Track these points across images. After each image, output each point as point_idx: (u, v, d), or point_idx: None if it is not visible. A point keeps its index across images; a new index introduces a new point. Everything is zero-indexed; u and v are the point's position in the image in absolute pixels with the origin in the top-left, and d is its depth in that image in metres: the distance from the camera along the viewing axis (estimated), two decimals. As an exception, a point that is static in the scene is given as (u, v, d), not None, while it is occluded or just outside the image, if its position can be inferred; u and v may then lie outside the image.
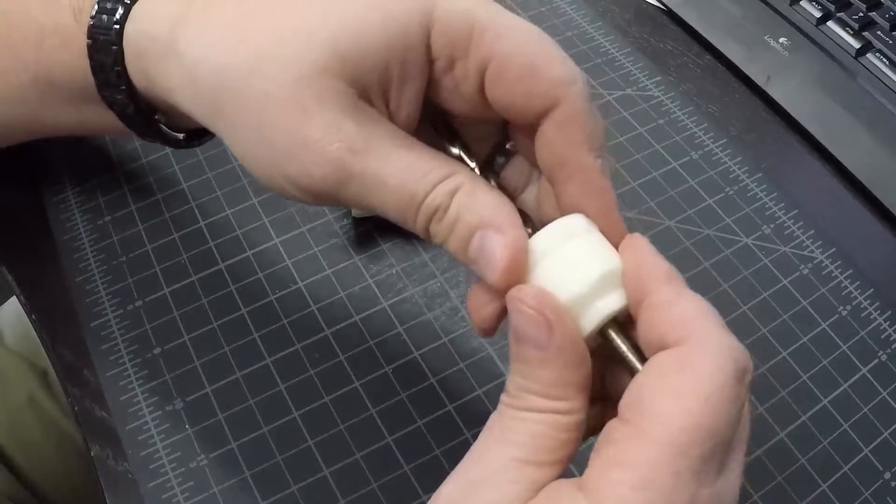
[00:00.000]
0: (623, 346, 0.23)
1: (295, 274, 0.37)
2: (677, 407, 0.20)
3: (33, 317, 0.35)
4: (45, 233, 0.38)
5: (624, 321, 0.23)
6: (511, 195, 0.26)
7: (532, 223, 0.25)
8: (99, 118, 0.32)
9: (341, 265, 0.37)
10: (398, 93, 0.25)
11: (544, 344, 0.22)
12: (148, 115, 0.31)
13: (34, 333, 0.36)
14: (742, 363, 0.21)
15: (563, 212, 0.25)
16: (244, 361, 0.34)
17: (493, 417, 0.23)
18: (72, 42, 0.30)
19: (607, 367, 0.25)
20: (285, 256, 0.37)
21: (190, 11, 0.27)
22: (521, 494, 0.21)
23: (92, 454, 0.32)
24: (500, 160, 0.28)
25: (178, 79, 0.27)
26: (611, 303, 0.23)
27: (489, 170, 0.27)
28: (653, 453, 0.19)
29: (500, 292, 0.24)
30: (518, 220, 0.24)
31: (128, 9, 0.29)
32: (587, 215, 0.24)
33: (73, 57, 0.30)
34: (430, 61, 0.25)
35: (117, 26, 0.29)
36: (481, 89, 0.25)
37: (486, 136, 0.28)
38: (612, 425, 0.21)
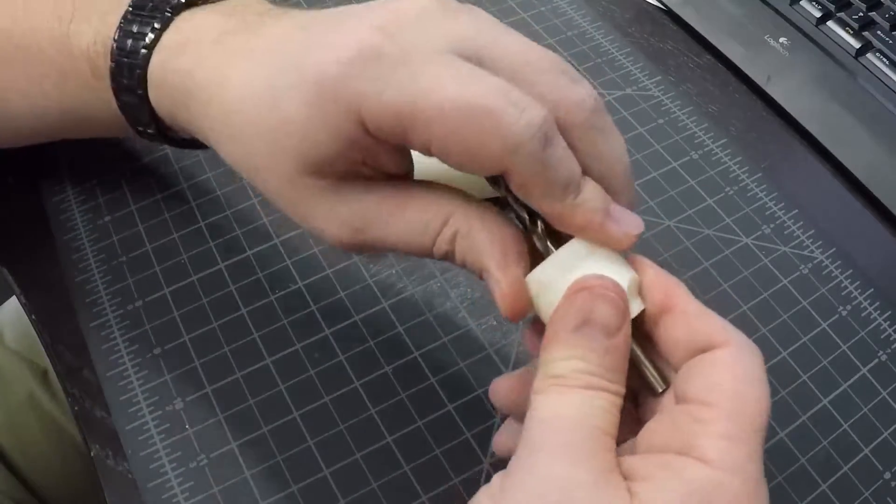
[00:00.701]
0: (638, 350, 0.25)
1: (295, 274, 0.37)
2: (752, 392, 0.22)
3: (33, 317, 0.35)
4: (45, 233, 0.38)
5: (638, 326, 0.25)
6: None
7: (544, 242, 0.26)
8: (129, 132, 0.33)
9: (341, 265, 0.37)
10: (372, 164, 0.26)
11: (614, 331, 0.23)
12: (182, 141, 0.32)
13: (34, 333, 0.36)
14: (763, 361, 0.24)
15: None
16: (244, 361, 0.34)
17: (549, 399, 0.23)
18: (94, 89, 0.31)
19: None
20: (285, 256, 0.37)
21: (200, 72, 0.28)
22: (608, 463, 0.22)
23: (92, 454, 0.32)
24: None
25: (204, 130, 0.29)
26: (632, 308, 0.24)
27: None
28: (748, 429, 0.22)
29: (513, 321, 0.26)
30: (512, 257, 0.25)
31: (148, 56, 0.29)
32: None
33: (99, 100, 0.31)
34: (380, 142, 0.25)
35: (139, 71, 0.29)
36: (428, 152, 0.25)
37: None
38: (694, 408, 0.22)
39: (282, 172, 0.26)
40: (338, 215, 0.26)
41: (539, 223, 0.26)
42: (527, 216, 0.26)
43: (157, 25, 0.29)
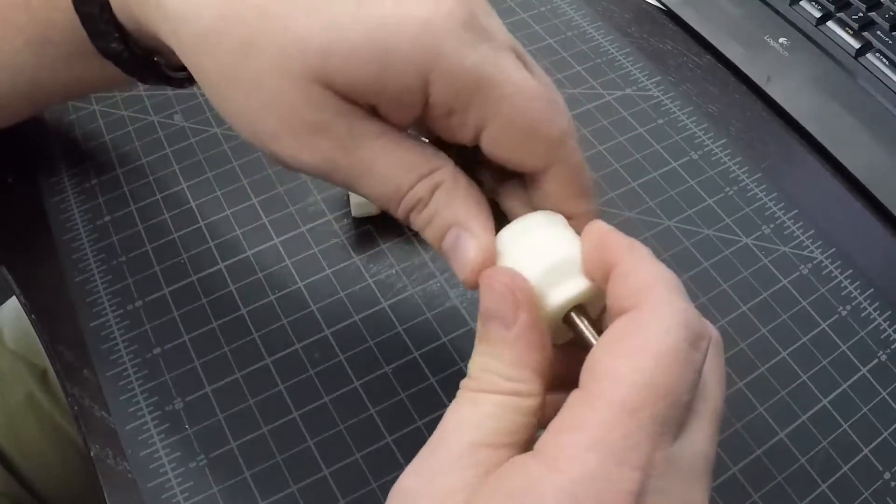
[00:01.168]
0: (585, 331, 0.23)
1: (295, 274, 0.37)
2: (627, 367, 0.20)
3: (33, 317, 0.35)
4: (45, 233, 0.38)
5: (600, 312, 0.24)
6: (492, 186, 0.27)
7: (505, 217, 0.26)
8: (99, 71, 0.31)
9: (341, 265, 0.37)
10: (385, 116, 0.25)
11: (510, 321, 0.22)
12: (146, 59, 0.30)
13: (34, 333, 0.36)
14: (695, 328, 0.21)
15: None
16: (244, 361, 0.34)
17: (450, 407, 0.23)
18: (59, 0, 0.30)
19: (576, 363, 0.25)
20: (285, 256, 0.37)
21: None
22: (478, 477, 0.21)
23: (92, 454, 0.32)
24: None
25: (162, 30, 0.27)
26: (572, 287, 0.23)
27: (471, 161, 0.27)
28: (603, 413, 0.19)
29: (469, 286, 0.25)
30: (490, 223, 0.25)
31: None
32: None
33: (62, 12, 0.30)
34: (425, 102, 0.25)
35: None
36: (475, 138, 0.25)
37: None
38: (572, 393, 0.21)
39: (297, 71, 0.24)
40: (330, 127, 0.25)
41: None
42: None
43: None
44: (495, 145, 0.25)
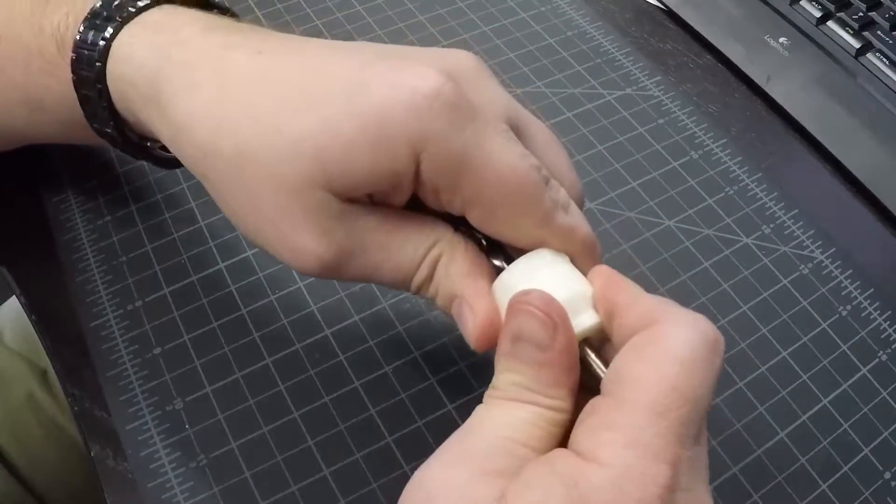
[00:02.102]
0: (596, 362, 0.24)
1: (295, 274, 0.37)
2: (655, 373, 0.21)
3: (33, 317, 0.35)
4: (45, 233, 0.38)
5: (599, 345, 0.25)
6: None
7: (506, 253, 0.27)
8: (91, 138, 0.31)
9: (341, 265, 0.37)
10: (381, 200, 0.26)
11: (547, 345, 0.23)
12: (139, 143, 0.31)
13: (34, 333, 0.36)
14: (711, 334, 0.22)
15: None
16: (244, 361, 0.34)
17: (480, 409, 0.23)
18: (58, 71, 0.30)
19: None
20: (285, 256, 0.37)
21: (170, 68, 0.27)
22: (516, 467, 0.21)
23: (92, 454, 0.32)
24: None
25: (163, 133, 0.27)
26: (583, 321, 0.24)
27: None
28: (637, 416, 0.20)
29: (479, 350, 0.26)
30: (486, 285, 0.26)
31: (108, 44, 0.28)
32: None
33: (60, 83, 0.30)
34: (417, 182, 0.25)
35: (99, 63, 0.28)
36: (463, 214, 0.26)
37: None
38: (594, 401, 0.22)
39: (292, 179, 0.24)
40: (331, 237, 0.25)
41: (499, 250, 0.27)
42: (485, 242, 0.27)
43: (119, 18, 0.28)
44: (483, 225, 0.26)
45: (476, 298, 0.26)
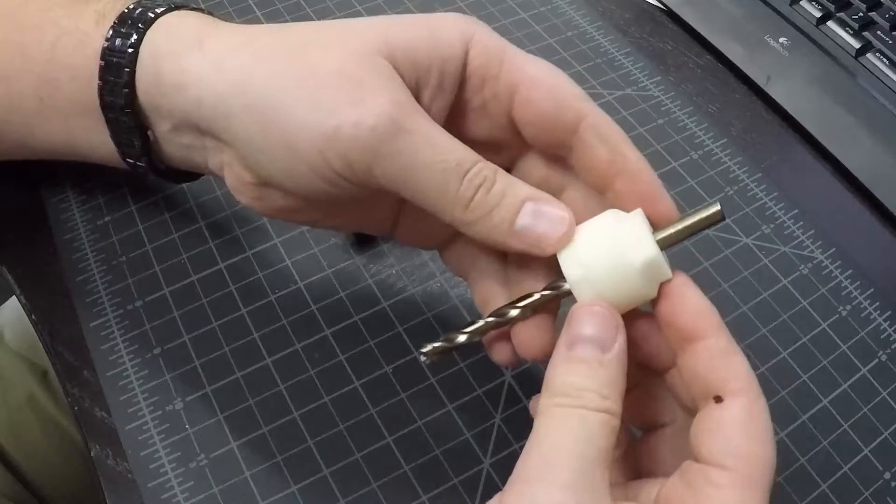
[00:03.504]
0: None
1: (295, 274, 0.37)
2: (764, 452, 0.23)
3: (33, 317, 0.35)
4: (45, 233, 0.38)
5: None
6: None
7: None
8: (89, 136, 0.32)
9: (341, 265, 0.37)
10: (430, 100, 0.27)
11: (609, 345, 0.24)
12: (141, 129, 0.31)
13: (34, 333, 0.36)
14: None
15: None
16: (244, 361, 0.34)
17: (548, 423, 0.23)
18: (88, 43, 0.30)
19: None
20: (285, 256, 0.37)
21: (217, 28, 0.29)
22: (604, 490, 0.22)
23: (92, 454, 0.32)
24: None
25: (199, 68, 0.28)
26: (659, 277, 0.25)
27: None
28: (759, 494, 0.23)
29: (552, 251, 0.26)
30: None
31: (155, 17, 0.30)
32: (641, 206, 0.26)
33: (86, 58, 0.30)
34: (463, 78, 0.27)
35: (141, 27, 0.29)
36: (508, 111, 0.27)
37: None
38: (711, 471, 0.23)
39: (355, 47, 0.26)
40: (394, 93, 0.26)
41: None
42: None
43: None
44: (528, 105, 0.27)
45: (552, 199, 0.26)
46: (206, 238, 0.38)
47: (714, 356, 0.24)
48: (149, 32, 0.29)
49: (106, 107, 0.30)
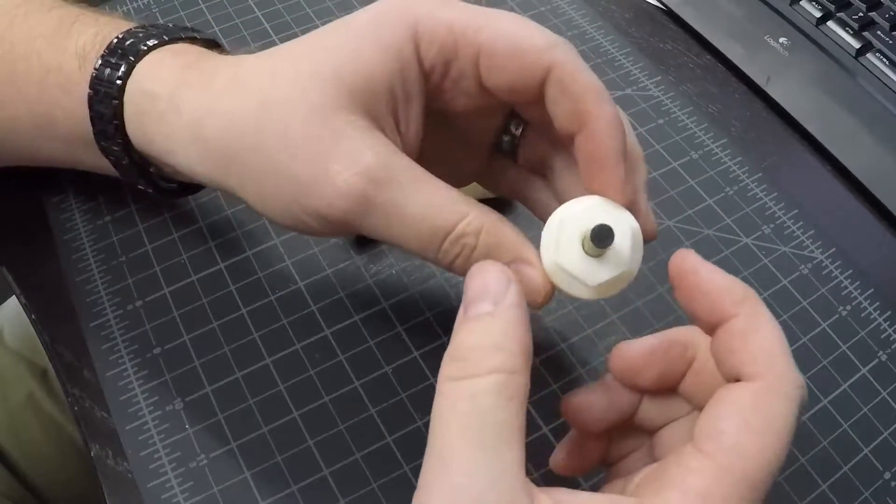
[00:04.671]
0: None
1: (295, 274, 0.37)
2: (756, 445, 0.21)
3: (33, 317, 0.35)
4: (45, 233, 0.38)
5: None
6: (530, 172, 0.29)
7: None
8: (93, 160, 0.32)
9: (341, 265, 0.37)
10: (405, 112, 0.27)
11: (501, 298, 0.23)
12: (142, 168, 0.31)
13: (34, 333, 0.36)
14: (805, 400, 0.22)
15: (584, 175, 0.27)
16: (244, 361, 0.34)
17: (440, 407, 0.22)
18: (74, 87, 0.30)
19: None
20: (285, 256, 0.37)
21: (189, 75, 0.28)
22: (514, 486, 0.21)
23: (92, 454, 0.32)
24: (506, 139, 0.30)
25: (181, 140, 0.28)
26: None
27: (496, 159, 0.28)
28: (733, 489, 0.20)
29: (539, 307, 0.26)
30: (533, 247, 0.26)
31: (131, 66, 0.29)
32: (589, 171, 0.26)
33: (73, 101, 0.30)
34: (425, 74, 0.26)
35: (119, 81, 0.29)
36: (480, 82, 0.26)
37: (489, 125, 0.30)
38: (687, 452, 0.21)
39: (314, 101, 0.25)
40: (360, 159, 0.25)
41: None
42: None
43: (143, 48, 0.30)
44: (493, 74, 0.26)
45: (535, 258, 0.26)
46: (206, 238, 0.38)
47: (734, 336, 0.22)
48: (129, 86, 0.29)
49: (103, 150, 0.31)
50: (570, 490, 0.22)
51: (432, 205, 0.25)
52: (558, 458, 0.28)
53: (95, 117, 0.30)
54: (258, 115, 0.26)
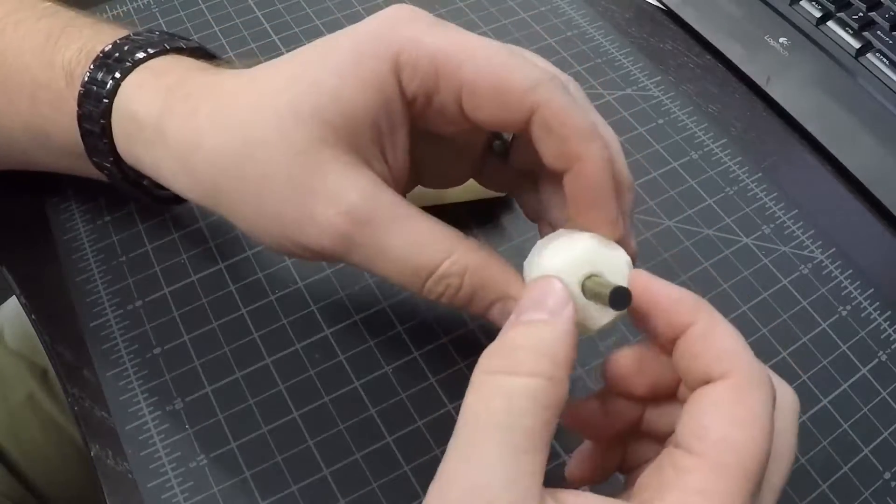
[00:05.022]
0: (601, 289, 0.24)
1: (295, 274, 0.37)
2: (744, 437, 0.21)
3: (33, 317, 0.35)
4: (45, 233, 0.38)
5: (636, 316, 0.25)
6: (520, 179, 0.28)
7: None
8: (90, 170, 0.33)
9: (341, 265, 0.37)
10: (391, 142, 0.27)
11: (557, 312, 0.23)
12: (135, 181, 0.32)
13: (34, 333, 0.36)
14: (773, 392, 0.22)
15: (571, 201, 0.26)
16: (244, 361, 0.34)
17: (474, 397, 0.22)
18: (63, 104, 0.31)
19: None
20: (285, 256, 0.37)
21: (172, 102, 0.28)
22: (530, 491, 0.21)
23: (92, 454, 0.32)
24: (497, 143, 0.30)
25: (169, 169, 0.28)
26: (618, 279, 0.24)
27: (489, 159, 0.28)
28: (731, 482, 0.21)
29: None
30: (521, 281, 0.26)
31: (117, 84, 0.29)
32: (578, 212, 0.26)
33: (64, 117, 0.31)
34: (408, 104, 0.26)
35: (106, 101, 0.29)
36: (463, 114, 0.26)
37: (478, 137, 0.30)
38: (677, 454, 0.22)
39: (295, 141, 0.25)
40: (343, 199, 0.25)
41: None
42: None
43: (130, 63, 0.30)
44: (475, 110, 0.25)
45: (521, 295, 0.25)
46: (206, 238, 0.38)
47: (695, 342, 0.23)
48: (114, 111, 0.29)
49: (97, 165, 0.31)
50: (574, 492, 0.22)
51: (415, 243, 0.25)
52: (573, 467, 0.28)
53: (86, 134, 0.30)
54: (241, 154, 0.26)
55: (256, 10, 0.48)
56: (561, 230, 0.26)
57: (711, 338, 0.23)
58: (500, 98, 0.25)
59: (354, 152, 0.26)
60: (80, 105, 0.30)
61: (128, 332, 0.35)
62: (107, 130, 0.30)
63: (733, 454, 0.21)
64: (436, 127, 0.27)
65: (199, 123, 0.27)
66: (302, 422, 0.32)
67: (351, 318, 0.35)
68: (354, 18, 0.47)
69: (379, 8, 0.48)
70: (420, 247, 0.25)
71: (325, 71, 0.26)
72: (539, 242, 0.27)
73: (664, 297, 0.24)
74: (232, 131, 0.26)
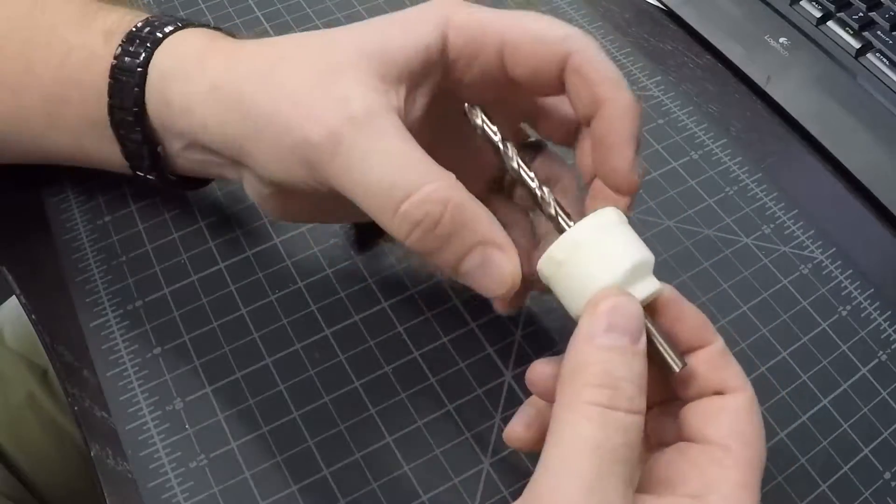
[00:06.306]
0: (653, 329, 0.25)
1: (295, 274, 0.37)
2: (761, 440, 0.25)
3: (33, 317, 0.35)
4: (45, 233, 0.38)
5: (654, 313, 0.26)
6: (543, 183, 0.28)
7: (565, 212, 0.27)
8: (98, 148, 0.33)
9: (341, 265, 0.37)
10: (414, 91, 0.28)
11: (638, 336, 0.24)
12: (151, 145, 0.32)
13: (34, 333, 0.36)
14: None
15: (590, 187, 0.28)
16: (244, 361, 0.34)
17: (570, 423, 0.23)
18: (96, 62, 0.31)
19: None
20: (285, 256, 0.37)
21: (218, 43, 0.30)
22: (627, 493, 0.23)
23: (92, 454, 0.32)
24: (529, 152, 0.31)
25: (199, 94, 0.29)
26: (646, 287, 0.25)
27: (517, 152, 0.28)
28: (757, 475, 0.25)
29: (504, 305, 0.30)
30: (506, 234, 0.26)
31: (164, 37, 0.30)
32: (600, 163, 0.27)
33: (93, 76, 0.31)
34: (447, 61, 0.28)
35: (149, 48, 0.30)
36: (503, 72, 0.28)
37: (490, 161, 0.30)
38: (712, 450, 0.25)
39: (329, 61, 0.27)
40: (349, 101, 0.26)
41: (551, 200, 0.27)
42: (537, 189, 0.27)
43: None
44: (517, 62, 0.27)
45: (508, 245, 0.26)
46: (206, 238, 0.38)
47: (715, 358, 0.26)
48: (156, 53, 0.30)
49: (116, 124, 0.31)
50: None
51: (402, 163, 0.25)
52: (512, 432, 0.29)
53: (115, 87, 0.30)
54: (275, 65, 0.27)
55: (256, 10, 0.48)
56: (577, 223, 0.26)
57: (730, 359, 0.26)
58: (539, 49, 0.27)
59: (379, 80, 0.26)
60: (116, 58, 0.30)
61: (128, 332, 0.35)
62: (141, 78, 0.30)
63: (757, 454, 0.25)
64: (474, 91, 0.29)
65: (243, 54, 0.29)
66: (302, 422, 0.32)
67: (351, 319, 0.35)
68: (354, 18, 0.47)
69: (379, 8, 0.48)
70: (404, 167, 0.25)
71: (376, 22, 0.28)
72: (564, 239, 0.26)
73: (694, 315, 0.27)
74: (274, 52, 0.28)
